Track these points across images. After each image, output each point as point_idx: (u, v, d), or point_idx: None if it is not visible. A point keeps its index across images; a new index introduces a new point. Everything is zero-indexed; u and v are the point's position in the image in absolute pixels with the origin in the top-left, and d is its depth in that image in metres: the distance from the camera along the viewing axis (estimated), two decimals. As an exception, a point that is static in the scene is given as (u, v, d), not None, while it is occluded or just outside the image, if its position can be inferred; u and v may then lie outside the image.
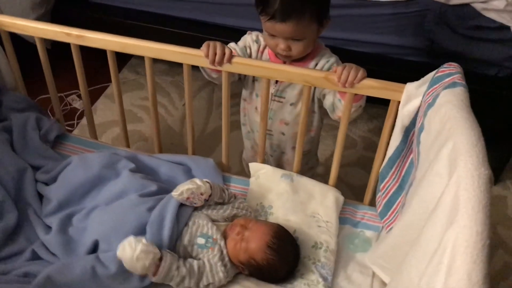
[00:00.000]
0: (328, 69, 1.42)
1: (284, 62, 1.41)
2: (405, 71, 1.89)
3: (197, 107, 2.39)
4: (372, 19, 1.87)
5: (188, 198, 1.28)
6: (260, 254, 1.23)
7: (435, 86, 1.18)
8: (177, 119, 2.36)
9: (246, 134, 1.66)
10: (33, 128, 1.53)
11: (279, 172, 1.49)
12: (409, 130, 1.29)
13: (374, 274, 1.33)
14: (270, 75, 1.33)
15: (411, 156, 1.30)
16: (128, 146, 1.66)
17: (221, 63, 1.32)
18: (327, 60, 1.42)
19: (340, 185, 1.53)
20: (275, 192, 1.45)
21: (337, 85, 1.28)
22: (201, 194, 1.29)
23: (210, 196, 1.32)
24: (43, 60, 1.53)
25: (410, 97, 1.25)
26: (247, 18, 1.99)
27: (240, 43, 1.48)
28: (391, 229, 1.34)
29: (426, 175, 1.03)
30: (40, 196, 1.44)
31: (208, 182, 1.32)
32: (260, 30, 1.41)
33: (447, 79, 1.16)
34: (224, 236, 1.28)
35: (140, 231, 1.27)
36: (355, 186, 2.06)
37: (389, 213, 1.40)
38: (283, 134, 1.55)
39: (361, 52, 1.97)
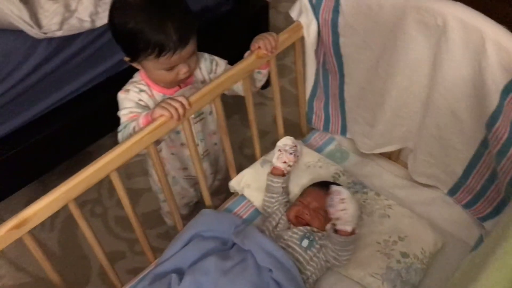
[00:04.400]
0: (210, 65, 1.46)
1: (179, 86, 1.39)
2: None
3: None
4: None
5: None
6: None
7: (322, 6, 1.42)
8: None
9: (170, 182, 1.56)
10: None
11: (257, 165, 1.54)
12: (316, 51, 1.53)
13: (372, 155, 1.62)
14: (224, 89, 1.34)
15: (320, 68, 1.56)
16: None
17: (185, 113, 1.23)
18: (204, 59, 1.46)
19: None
20: (270, 179, 1.50)
21: (267, 56, 1.38)
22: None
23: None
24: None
25: (308, 26, 1.46)
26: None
27: (129, 103, 1.34)
28: (344, 129, 1.63)
29: (398, 48, 1.31)
30: None
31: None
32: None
33: (326, -6, 1.42)
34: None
35: None
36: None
37: (331, 122, 1.67)
38: (215, 144, 1.56)
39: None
